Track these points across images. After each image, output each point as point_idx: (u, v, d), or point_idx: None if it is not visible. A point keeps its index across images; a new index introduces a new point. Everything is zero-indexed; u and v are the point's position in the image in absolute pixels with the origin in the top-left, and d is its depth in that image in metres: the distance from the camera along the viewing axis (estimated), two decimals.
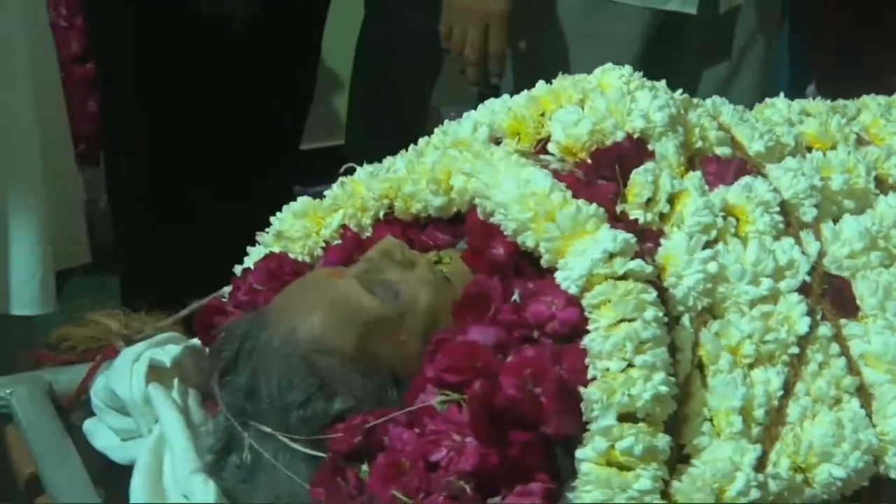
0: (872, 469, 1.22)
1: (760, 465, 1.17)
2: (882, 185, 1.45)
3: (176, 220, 2.33)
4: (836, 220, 1.38)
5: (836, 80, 3.04)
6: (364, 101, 2.77)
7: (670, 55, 2.13)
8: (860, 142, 1.52)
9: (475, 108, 1.54)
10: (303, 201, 1.47)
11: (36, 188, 1.98)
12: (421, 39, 2.57)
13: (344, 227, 1.42)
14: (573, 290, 1.19)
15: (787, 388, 1.23)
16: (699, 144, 1.40)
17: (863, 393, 1.26)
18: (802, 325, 1.25)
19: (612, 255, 1.19)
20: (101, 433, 1.37)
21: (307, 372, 1.21)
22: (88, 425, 1.38)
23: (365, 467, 1.16)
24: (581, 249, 1.20)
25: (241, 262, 1.50)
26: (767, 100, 1.59)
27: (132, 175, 2.35)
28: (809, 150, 1.47)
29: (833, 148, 1.47)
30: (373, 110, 2.66)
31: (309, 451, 1.19)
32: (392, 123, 2.80)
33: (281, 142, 2.46)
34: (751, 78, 2.27)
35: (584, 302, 1.18)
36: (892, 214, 1.40)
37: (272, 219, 1.49)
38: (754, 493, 1.15)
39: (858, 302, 1.31)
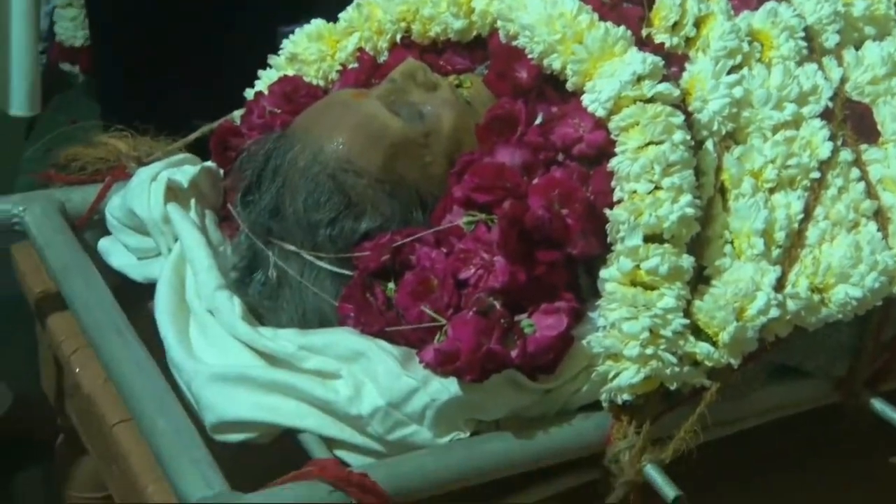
0: (887, 290, 1.27)
1: (780, 285, 1.23)
2: None
3: (156, 52, 2.25)
4: (857, 47, 1.40)
5: None
6: None
7: None
8: None
9: None
10: (317, 23, 1.48)
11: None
12: None
13: (360, 50, 1.43)
14: (601, 113, 1.22)
15: (808, 212, 1.27)
16: None
17: (880, 216, 1.30)
18: (824, 150, 1.29)
19: (640, 78, 1.23)
20: (117, 252, 1.40)
21: (335, 190, 1.23)
22: (103, 244, 1.41)
23: (391, 285, 1.21)
24: (610, 71, 1.23)
25: (221, 94, 1.51)
26: None
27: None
28: None
29: None
30: None
31: (335, 268, 1.23)
32: None
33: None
34: None
35: (612, 125, 1.22)
36: None
37: (285, 41, 1.49)
38: (774, 312, 1.20)
39: (879, 127, 1.34)
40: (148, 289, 1.33)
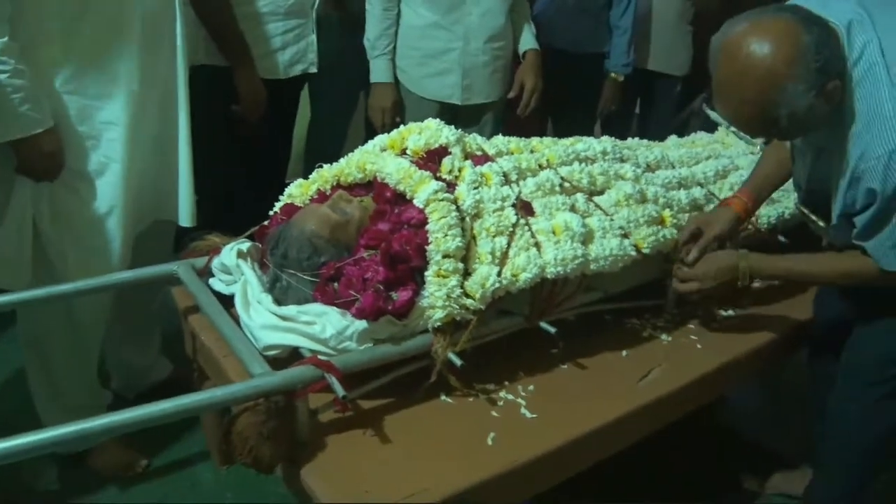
0: (540, 275, 1.31)
1: (499, 274, 1.28)
2: (540, 167, 1.49)
3: (229, 199, 2.17)
4: (525, 179, 1.43)
5: None
6: (311, 160, 2.35)
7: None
8: (532, 150, 1.54)
9: None
10: (299, 181, 1.46)
11: (186, 134, 1.65)
12: (336, 132, 2.50)
13: (319, 190, 1.43)
14: (421, 206, 1.28)
15: (509, 244, 1.31)
16: (469, 149, 1.44)
17: (538, 245, 1.34)
18: (513, 219, 1.33)
19: (436, 191, 1.29)
20: (217, 284, 1.38)
21: (309, 245, 1.26)
22: (211, 281, 1.40)
23: (336, 284, 1.24)
24: (424, 189, 1.29)
25: (264, 216, 1.47)
26: (494, 137, 1.59)
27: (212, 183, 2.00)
28: (512, 154, 1.50)
29: (521, 152, 1.51)
30: (316, 163, 2.54)
31: (312, 279, 1.26)
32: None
33: (279, 175, 2.35)
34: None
35: (426, 210, 1.28)
36: (545, 177, 1.44)
37: (286, 189, 1.46)
38: (497, 284, 1.26)
39: (535, 209, 1.38)
40: (231, 298, 1.33)
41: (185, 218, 1.71)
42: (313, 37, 2.11)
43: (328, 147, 2.41)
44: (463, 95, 2.21)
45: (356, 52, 2.23)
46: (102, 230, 1.57)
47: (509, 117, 2.34)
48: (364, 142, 1.56)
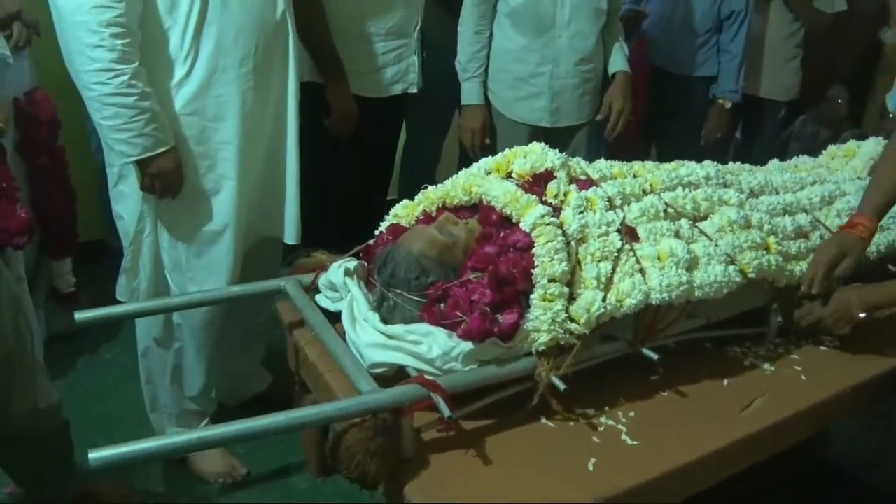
0: (645, 300, 1.28)
1: (604, 299, 1.26)
2: (644, 192, 1.46)
3: (334, 216, 2.18)
4: (629, 204, 1.41)
5: None
6: (406, 178, 2.52)
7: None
8: (635, 175, 1.52)
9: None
10: (405, 202, 1.46)
11: (295, 154, 1.69)
12: (431, 151, 2.50)
13: (425, 211, 1.43)
14: (527, 230, 1.27)
15: (614, 269, 1.29)
16: (574, 173, 1.42)
17: (643, 271, 1.31)
18: (618, 244, 1.31)
19: (543, 215, 1.28)
20: (324, 300, 1.40)
21: (417, 266, 1.27)
22: (318, 297, 1.41)
23: (442, 305, 1.24)
24: (531, 213, 1.28)
25: (369, 234, 1.48)
26: (597, 161, 1.57)
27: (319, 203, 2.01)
28: (615, 178, 1.48)
29: (624, 177, 1.49)
30: (411, 182, 2.33)
31: (419, 299, 1.26)
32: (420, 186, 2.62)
33: (380, 192, 2.33)
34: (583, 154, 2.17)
35: (533, 234, 1.27)
36: (650, 203, 1.41)
37: (392, 209, 1.47)
38: (601, 310, 1.24)
39: (640, 235, 1.35)
40: (337, 315, 1.34)
41: (291, 235, 1.74)
42: (415, 57, 2.13)
43: (423, 165, 2.43)
44: (551, 118, 2.21)
45: (450, 72, 2.25)
46: (217, 246, 1.62)
47: (608, 140, 2.29)
48: (458, 162, 1.57)
